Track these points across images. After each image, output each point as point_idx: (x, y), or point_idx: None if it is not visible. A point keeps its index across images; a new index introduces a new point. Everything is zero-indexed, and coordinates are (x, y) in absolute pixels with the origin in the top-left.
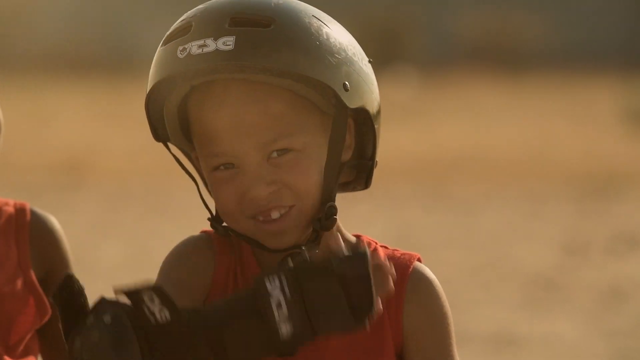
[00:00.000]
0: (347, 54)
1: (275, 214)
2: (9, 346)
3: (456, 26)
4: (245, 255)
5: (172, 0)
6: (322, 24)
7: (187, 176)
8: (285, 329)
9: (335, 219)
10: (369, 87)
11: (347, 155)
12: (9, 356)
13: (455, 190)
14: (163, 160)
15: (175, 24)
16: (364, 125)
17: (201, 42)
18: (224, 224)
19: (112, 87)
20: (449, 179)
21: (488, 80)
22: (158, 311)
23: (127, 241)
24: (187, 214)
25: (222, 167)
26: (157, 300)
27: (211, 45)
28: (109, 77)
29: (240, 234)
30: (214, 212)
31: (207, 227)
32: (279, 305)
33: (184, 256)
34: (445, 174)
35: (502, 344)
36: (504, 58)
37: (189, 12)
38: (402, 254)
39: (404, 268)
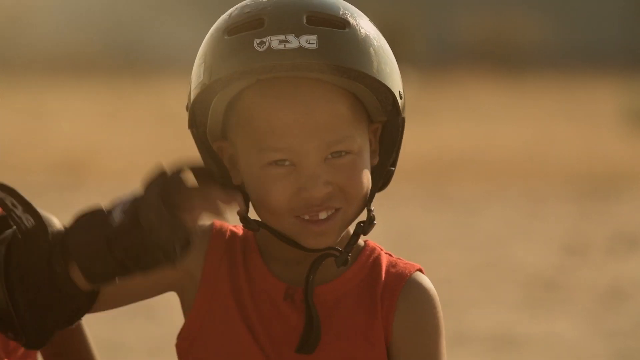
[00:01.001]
0: (397, 67)
1: (322, 215)
2: (9, 349)
3: (457, 26)
4: (250, 252)
5: (173, 1)
6: (379, 35)
7: None
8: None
9: (375, 224)
10: (405, 100)
11: (375, 160)
12: (9, 359)
13: (456, 190)
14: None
15: (235, 14)
16: (390, 135)
17: (282, 37)
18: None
19: (112, 87)
20: (450, 179)
21: (488, 81)
22: (24, 218)
23: None
24: None
25: (274, 164)
26: (19, 207)
27: (294, 41)
28: (109, 77)
29: (275, 230)
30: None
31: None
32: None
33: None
34: (445, 174)
35: (502, 344)
36: (504, 58)
37: (247, 3)
38: (404, 264)
39: (401, 277)
